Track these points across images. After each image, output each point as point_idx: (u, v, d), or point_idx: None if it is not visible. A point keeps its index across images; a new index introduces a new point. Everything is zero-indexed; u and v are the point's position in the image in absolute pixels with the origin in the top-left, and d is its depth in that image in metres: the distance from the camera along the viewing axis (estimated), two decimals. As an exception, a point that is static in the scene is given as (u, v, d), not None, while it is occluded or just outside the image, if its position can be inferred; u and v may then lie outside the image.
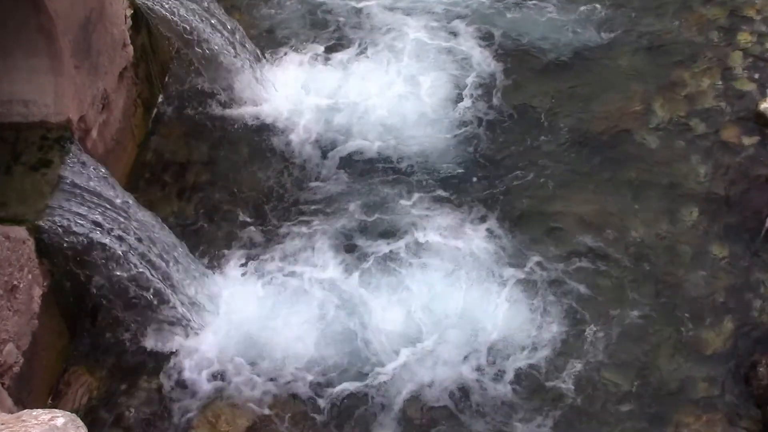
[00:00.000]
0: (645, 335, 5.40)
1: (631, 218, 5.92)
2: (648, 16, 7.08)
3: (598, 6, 7.13)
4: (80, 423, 3.18)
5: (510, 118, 6.53)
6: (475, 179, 6.20)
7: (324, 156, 6.40)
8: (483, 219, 5.96)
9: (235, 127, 6.59)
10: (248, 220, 6.07)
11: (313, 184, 6.25)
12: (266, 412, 5.18)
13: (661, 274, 5.66)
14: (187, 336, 5.47)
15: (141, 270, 5.15)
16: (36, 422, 3.09)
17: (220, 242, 5.96)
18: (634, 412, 5.11)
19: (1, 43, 5.03)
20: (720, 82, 6.59)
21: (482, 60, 6.87)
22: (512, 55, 6.88)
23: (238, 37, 6.50)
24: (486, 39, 6.99)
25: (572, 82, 6.70)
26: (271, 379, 5.32)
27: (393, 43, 7.05)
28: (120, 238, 5.11)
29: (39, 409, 3.22)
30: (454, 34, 7.05)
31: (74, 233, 4.96)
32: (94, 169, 5.30)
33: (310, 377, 5.31)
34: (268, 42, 7.11)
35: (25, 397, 4.88)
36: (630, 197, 6.03)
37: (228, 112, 6.65)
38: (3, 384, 4.72)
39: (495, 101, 6.62)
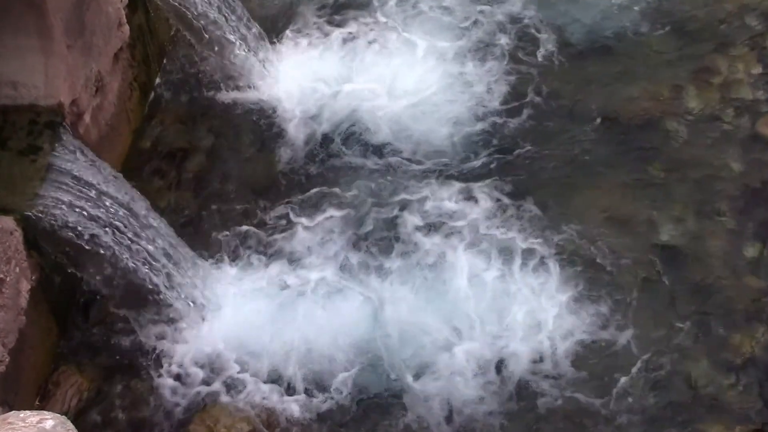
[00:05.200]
0: (672, 339, 5.36)
1: (658, 213, 5.89)
2: (682, -2, 7.08)
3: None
4: (70, 425, 3.18)
5: (537, 103, 6.52)
6: (497, 165, 6.19)
7: (331, 143, 6.39)
8: (501, 208, 5.96)
9: (237, 112, 6.60)
10: (250, 210, 6.07)
11: (318, 173, 6.25)
12: (268, 416, 5.17)
13: (690, 273, 5.62)
14: (183, 334, 5.46)
15: (135, 264, 5.15)
16: (23, 424, 3.09)
17: (220, 234, 5.94)
18: (661, 421, 5.08)
19: (-12, 20, 5.03)
20: (756, 70, 6.56)
21: (511, 41, 6.87)
22: (544, 37, 6.88)
23: (241, 16, 6.49)
24: (518, 20, 7.00)
25: (604, 67, 6.70)
26: (274, 381, 5.30)
27: (413, 20, 7.06)
28: (113, 230, 5.11)
29: (26, 411, 3.22)
30: (481, 11, 7.04)
31: (65, 224, 4.95)
32: (86, 155, 5.29)
33: (316, 379, 5.29)
34: (274, 22, 7.12)
35: (11, 398, 4.88)
36: (658, 191, 6.00)
37: (229, 96, 6.66)
38: (-12, 384, 4.73)
39: (522, 85, 6.62)
